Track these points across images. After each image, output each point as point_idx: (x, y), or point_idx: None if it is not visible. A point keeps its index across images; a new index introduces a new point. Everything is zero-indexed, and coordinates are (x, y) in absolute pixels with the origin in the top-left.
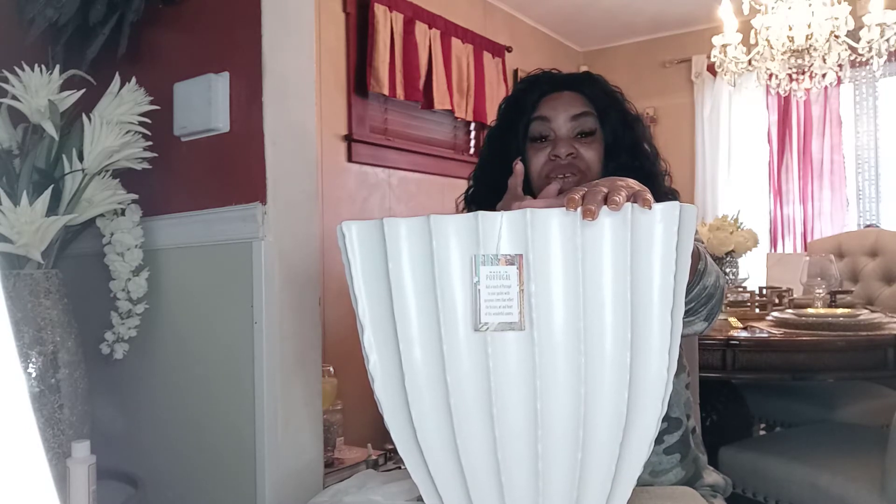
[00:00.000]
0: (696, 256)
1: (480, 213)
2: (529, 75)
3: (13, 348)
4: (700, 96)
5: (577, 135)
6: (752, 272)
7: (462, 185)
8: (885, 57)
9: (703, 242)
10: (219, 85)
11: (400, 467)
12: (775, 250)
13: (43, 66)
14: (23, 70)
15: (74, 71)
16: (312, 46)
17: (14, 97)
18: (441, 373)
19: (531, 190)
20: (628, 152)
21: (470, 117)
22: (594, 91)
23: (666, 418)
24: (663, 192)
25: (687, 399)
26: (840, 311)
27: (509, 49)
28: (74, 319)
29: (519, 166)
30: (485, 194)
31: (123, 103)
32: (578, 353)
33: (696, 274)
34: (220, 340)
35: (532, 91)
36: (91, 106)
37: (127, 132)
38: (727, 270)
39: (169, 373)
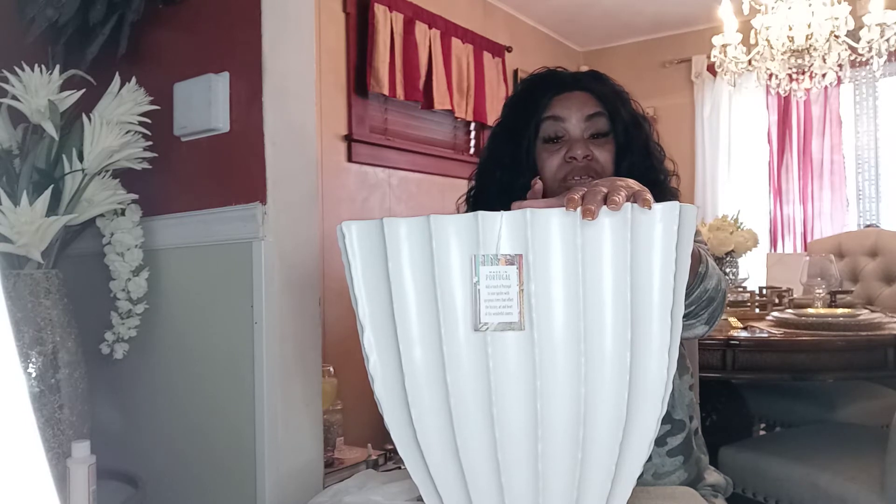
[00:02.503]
0: (697, 259)
1: (480, 213)
2: (536, 73)
3: (13, 348)
4: (700, 96)
5: (590, 136)
6: (752, 272)
7: (462, 185)
8: (885, 57)
9: (706, 246)
10: (219, 85)
11: (400, 467)
12: (775, 250)
13: (43, 66)
14: (23, 70)
15: (74, 71)
16: (312, 46)
17: (14, 97)
18: (441, 373)
19: (545, 192)
20: (640, 152)
21: (470, 117)
22: (604, 90)
23: (669, 420)
24: (670, 192)
25: (690, 400)
26: (840, 311)
27: (509, 49)
28: (74, 319)
29: (538, 185)
30: (490, 195)
31: (123, 103)
32: (578, 353)
33: (697, 276)
34: (220, 340)
35: (542, 90)
36: (91, 106)
37: (127, 132)
38: (727, 270)
39: (169, 373)
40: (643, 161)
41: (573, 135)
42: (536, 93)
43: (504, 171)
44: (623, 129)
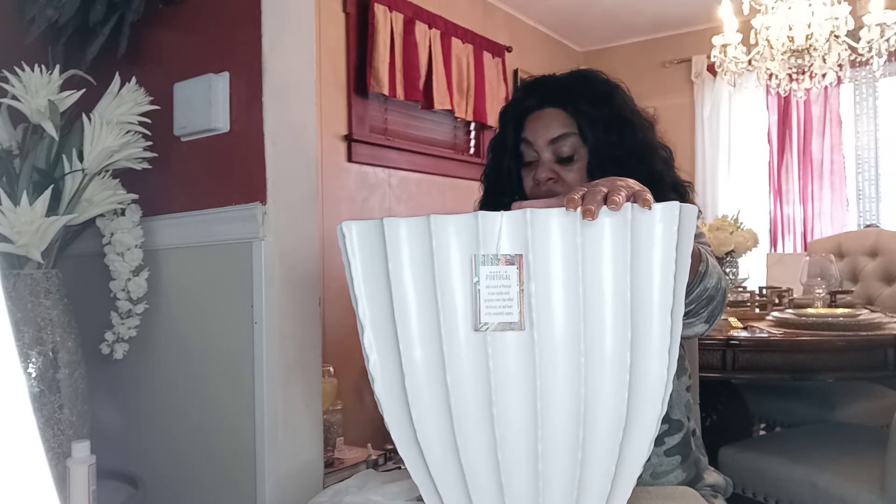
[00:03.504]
0: (697, 258)
1: (480, 213)
2: (524, 83)
3: (13, 348)
4: (700, 96)
5: (557, 159)
6: (752, 272)
7: (462, 185)
8: (885, 57)
9: (707, 244)
10: (219, 85)
11: (400, 467)
12: (775, 250)
13: (43, 66)
14: (23, 70)
15: (74, 71)
16: (312, 46)
17: (14, 97)
18: (441, 373)
19: None
20: (632, 154)
21: (470, 117)
22: (580, 105)
23: (667, 420)
24: (671, 188)
25: (688, 401)
26: (840, 311)
27: (509, 49)
28: (74, 319)
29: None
30: (491, 198)
31: (123, 103)
32: (578, 353)
33: (697, 275)
34: (220, 340)
35: (520, 107)
36: (91, 106)
37: (127, 132)
38: (727, 270)
39: (169, 373)
40: (637, 161)
41: (543, 157)
42: (516, 111)
43: (495, 181)
44: (595, 144)
